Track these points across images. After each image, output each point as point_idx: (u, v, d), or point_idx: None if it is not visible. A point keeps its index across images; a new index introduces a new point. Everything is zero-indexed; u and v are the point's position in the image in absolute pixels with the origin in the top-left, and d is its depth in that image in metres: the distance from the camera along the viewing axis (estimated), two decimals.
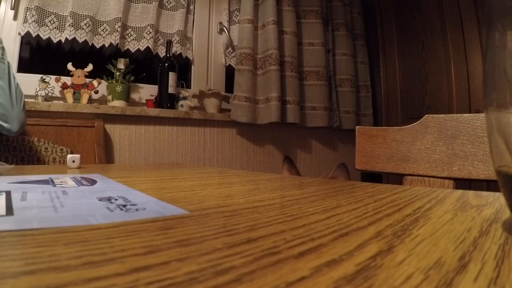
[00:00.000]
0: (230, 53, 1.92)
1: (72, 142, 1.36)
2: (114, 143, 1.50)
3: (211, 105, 1.71)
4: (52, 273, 0.10)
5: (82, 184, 0.31)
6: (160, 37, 1.70)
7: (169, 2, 1.73)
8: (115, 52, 1.56)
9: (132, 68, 1.57)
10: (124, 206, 0.22)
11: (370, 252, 0.13)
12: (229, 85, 1.87)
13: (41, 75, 1.41)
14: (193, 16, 1.82)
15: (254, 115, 1.74)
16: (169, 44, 1.63)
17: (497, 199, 0.28)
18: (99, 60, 1.54)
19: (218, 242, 0.14)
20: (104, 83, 1.53)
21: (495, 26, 0.17)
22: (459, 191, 0.33)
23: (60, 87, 1.43)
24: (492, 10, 0.17)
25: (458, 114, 0.56)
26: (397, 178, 0.61)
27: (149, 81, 1.71)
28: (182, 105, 1.66)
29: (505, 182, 0.17)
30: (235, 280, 0.10)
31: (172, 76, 1.60)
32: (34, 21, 1.40)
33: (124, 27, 1.59)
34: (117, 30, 1.53)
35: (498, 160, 0.17)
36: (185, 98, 1.68)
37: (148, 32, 1.62)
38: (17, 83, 1.00)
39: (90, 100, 1.47)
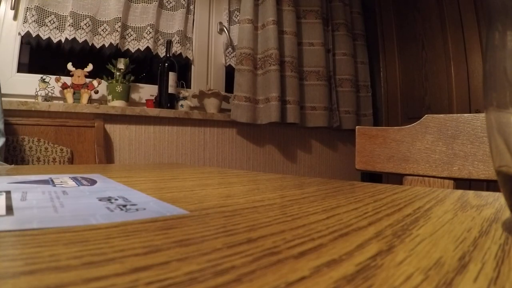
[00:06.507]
0: (230, 53, 1.92)
1: (72, 142, 1.36)
2: (114, 143, 1.50)
3: (211, 105, 1.71)
4: (52, 273, 0.10)
5: (82, 184, 0.31)
6: (160, 37, 1.70)
7: (169, 2, 1.73)
8: (115, 52, 1.56)
9: (132, 68, 1.57)
10: (124, 206, 0.22)
11: (370, 252, 0.13)
12: (229, 85, 1.87)
13: (41, 75, 1.41)
14: (193, 16, 1.82)
15: (254, 115, 1.74)
16: (169, 44, 1.63)
17: (497, 199, 0.28)
18: (99, 60, 1.54)
19: (218, 242, 0.14)
20: (104, 83, 1.53)
21: (495, 26, 0.17)
22: (459, 191, 0.33)
23: (60, 87, 1.43)
24: (492, 10, 0.17)
25: (458, 114, 0.56)
26: (397, 178, 0.61)
27: (149, 81, 1.71)
28: (182, 105, 1.66)
29: (505, 182, 0.17)
30: (235, 280, 0.10)
31: (172, 76, 1.60)
32: (34, 21, 1.40)
33: (124, 27, 1.59)
34: (117, 30, 1.53)
35: (498, 160, 0.17)
36: (185, 98, 1.68)
37: (148, 32, 1.62)
38: None
39: (90, 100, 1.47)
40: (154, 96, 1.63)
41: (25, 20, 1.39)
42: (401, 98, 2.02)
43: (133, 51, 1.61)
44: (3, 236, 0.14)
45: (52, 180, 0.34)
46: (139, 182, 0.35)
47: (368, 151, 0.65)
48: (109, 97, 1.51)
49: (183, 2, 1.74)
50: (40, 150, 1.26)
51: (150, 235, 0.15)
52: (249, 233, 0.16)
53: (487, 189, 0.35)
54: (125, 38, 1.60)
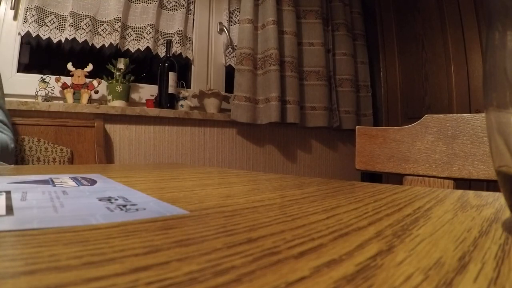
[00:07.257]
0: (230, 53, 1.92)
1: (72, 142, 1.36)
2: (114, 143, 1.50)
3: (211, 105, 1.71)
4: (52, 273, 0.10)
5: (82, 184, 0.31)
6: (160, 37, 1.70)
7: (169, 2, 1.73)
8: (115, 52, 1.56)
9: (132, 68, 1.57)
10: (124, 206, 0.22)
11: (370, 252, 0.13)
12: (229, 85, 1.87)
13: (41, 75, 1.41)
14: (193, 16, 1.82)
15: (254, 115, 1.74)
16: (169, 44, 1.63)
17: (497, 199, 0.28)
18: (99, 60, 1.54)
19: (218, 242, 0.14)
20: (104, 83, 1.53)
21: (495, 26, 0.17)
22: (459, 191, 0.33)
23: (60, 87, 1.43)
24: (492, 10, 0.17)
25: (458, 114, 0.56)
26: (397, 178, 0.61)
27: (149, 81, 1.71)
28: (182, 105, 1.66)
29: (505, 182, 0.17)
30: (235, 280, 0.10)
31: (172, 76, 1.60)
32: (34, 21, 1.40)
33: (124, 27, 1.59)
34: (117, 30, 1.53)
35: (498, 160, 0.17)
36: (185, 98, 1.68)
37: (148, 32, 1.62)
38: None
39: (90, 100, 1.47)
40: (154, 96, 1.63)
41: (25, 20, 1.39)
42: (401, 98, 2.02)
43: (133, 51, 1.61)
44: (3, 236, 0.14)
45: (52, 180, 0.34)
46: (139, 182, 0.35)
47: (368, 151, 0.65)
48: (109, 97, 1.51)
49: (183, 2, 1.74)
50: (40, 150, 1.26)
51: (150, 235, 0.15)
52: (249, 233, 0.16)
53: (487, 189, 0.35)
54: (125, 38, 1.60)
